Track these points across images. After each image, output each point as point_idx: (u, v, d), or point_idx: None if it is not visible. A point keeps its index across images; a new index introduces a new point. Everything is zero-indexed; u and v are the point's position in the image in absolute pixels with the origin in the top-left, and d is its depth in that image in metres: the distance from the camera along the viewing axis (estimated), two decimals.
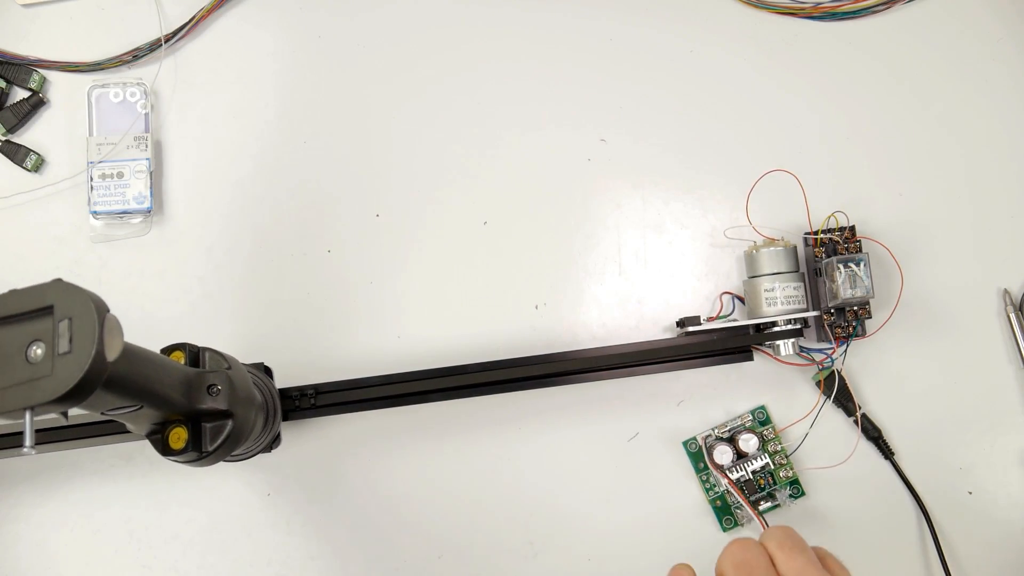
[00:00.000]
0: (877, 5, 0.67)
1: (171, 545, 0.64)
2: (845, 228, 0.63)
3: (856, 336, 0.63)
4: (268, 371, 0.61)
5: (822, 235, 0.63)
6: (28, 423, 0.38)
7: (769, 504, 0.63)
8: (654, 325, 0.65)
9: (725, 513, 0.64)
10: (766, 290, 0.61)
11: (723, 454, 0.62)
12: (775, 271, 0.62)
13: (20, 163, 0.67)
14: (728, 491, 0.63)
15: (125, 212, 0.66)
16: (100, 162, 0.66)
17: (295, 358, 0.65)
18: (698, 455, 0.64)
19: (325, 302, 0.66)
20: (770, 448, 0.63)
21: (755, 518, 0.62)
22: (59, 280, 0.39)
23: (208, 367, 0.52)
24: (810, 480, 0.64)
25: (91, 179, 0.65)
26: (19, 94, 0.68)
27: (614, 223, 0.67)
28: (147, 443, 0.63)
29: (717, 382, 0.65)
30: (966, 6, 0.68)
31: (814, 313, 0.62)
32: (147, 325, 0.66)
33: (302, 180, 0.67)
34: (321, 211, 0.67)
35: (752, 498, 0.63)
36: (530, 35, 0.68)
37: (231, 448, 0.50)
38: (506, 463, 0.65)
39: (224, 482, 0.65)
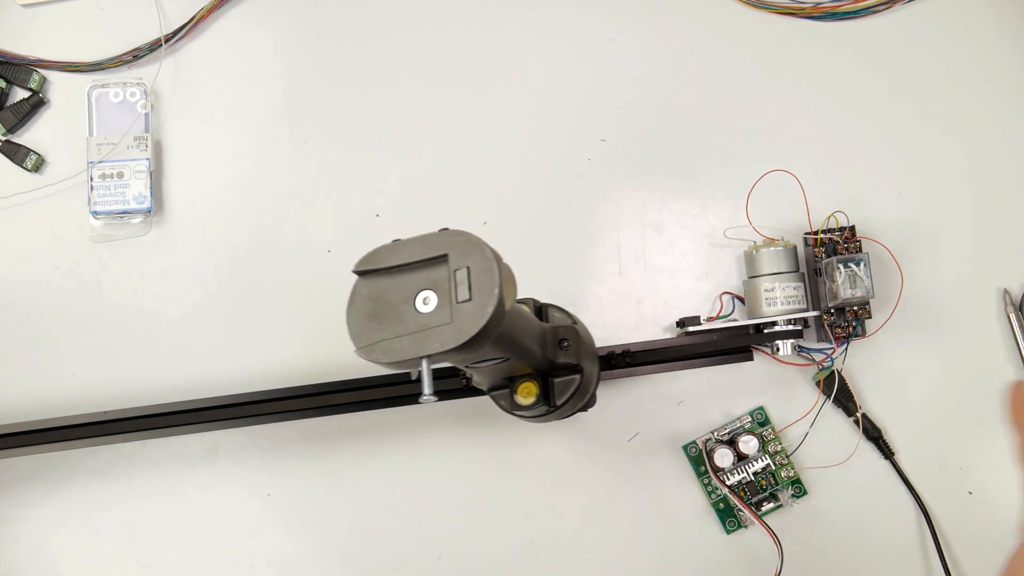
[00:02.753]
0: (877, 5, 0.67)
1: (171, 545, 0.64)
2: (845, 228, 0.63)
3: (856, 336, 0.63)
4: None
5: (822, 235, 0.63)
6: (426, 372, 0.38)
7: (772, 505, 0.63)
8: (654, 325, 0.65)
9: (728, 515, 0.63)
10: (766, 290, 0.61)
11: (723, 457, 0.62)
12: (775, 271, 0.62)
13: (20, 163, 0.67)
14: (730, 493, 0.63)
15: (125, 212, 0.66)
16: (100, 162, 0.66)
17: (296, 357, 0.65)
18: (698, 459, 0.64)
19: (325, 302, 0.66)
20: (770, 449, 0.63)
21: (766, 516, 0.62)
22: (447, 229, 0.39)
23: (552, 322, 0.51)
24: (811, 480, 0.64)
25: (91, 179, 0.65)
26: (19, 94, 0.68)
27: (614, 223, 0.67)
28: (147, 443, 0.64)
29: (717, 382, 0.65)
30: (966, 6, 0.67)
31: (814, 313, 0.62)
32: (147, 325, 0.66)
33: (302, 180, 0.67)
34: (321, 211, 0.67)
35: (754, 499, 0.63)
36: (530, 35, 0.68)
37: (577, 402, 0.50)
38: (506, 462, 0.64)
39: (224, 482, 0.65)
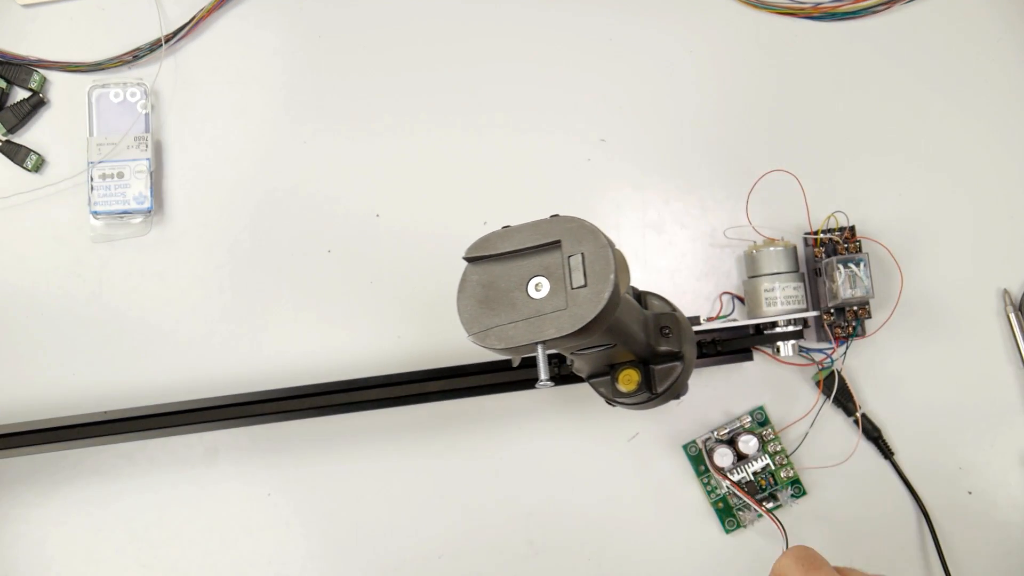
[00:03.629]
0: (877, 5, 0.67)
1: (171, 545, 0.64)
2: (845, 228, 0.63)
3: (856, 336, 0.63)
4: None
5: (822, 235, 0.63)
6: (542, 357, 0.38)
7: (771, 505, 0.63)
8: None
9: (727, 515, 0.63)
10: (766, 290, 0.61)
11: (723, 456, 0.62)
12: (775, 271, 0.62)
13: (20, 163, 0.67)
14: (731, 493, 0.63)
15: (125, 212, 0.66)
16: (100, 162, 0.66)
17: (296, 357, 0.65)
18: (698, 458, 0.64)
19: (325, 302, 0.66)
20: (770, 449, 0.63)
21: (765, 516, 0.62)
22: (557, 215, 0.39)
23: (651, 309, 0.51)
24: (811, 480, 0.64)
25: (91, 179, 0.65)
26: (19, 94, 0.68)
27: (614, 223, 0.67)
28: (147, 443, 0.64)
29: (717, 382, 0.65)
30: (966, 6, 0.67)
31: (814, 313, 0.62)
32: (147, 325, 0.66)
33: (302, 180, 0.67)
34: (321, 211, 0.67)
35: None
36: (530, 35, 0.68)
37: (678, 390, 0.50)
38: (506, 462, 0.65)
39: (224, 482, 0.65)
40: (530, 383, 0.62)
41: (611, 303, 0.37)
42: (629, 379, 0.48)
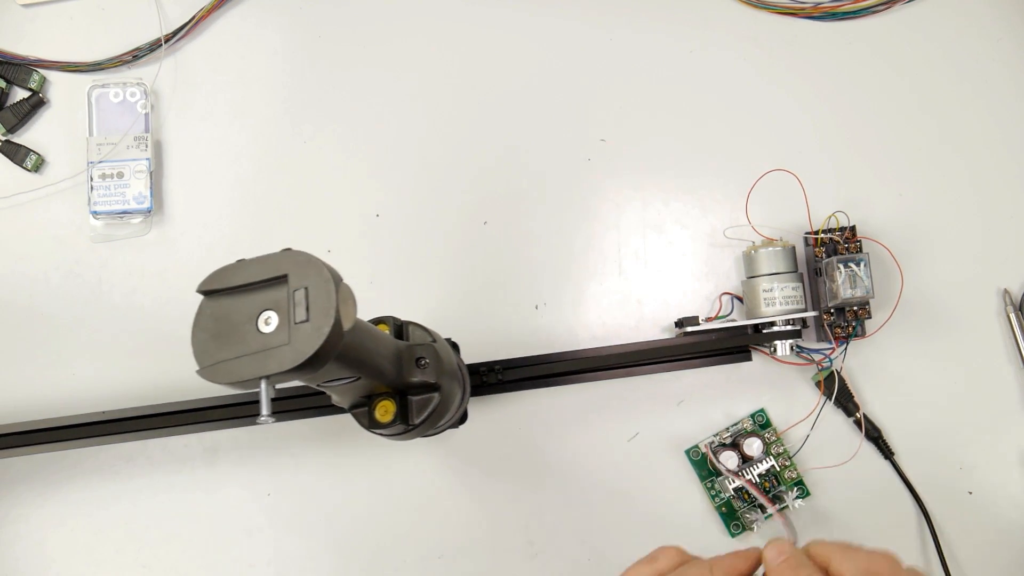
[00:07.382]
0: (877, 5, 0.67)
1: (171, 545, 0.64)
2: (845, 228, 0.63)
3: (856, 336, 0.63)
4: (456, 346, 0.60)
5: (822, 235, 0.63)
6: (264, 392, 0.38)
7: (777, 506, 0.63)
8: (654, 325, 0.65)
9: (732, 518, 0.63)
10: (764, 290, 0.61)
11: (728, 459, 0.62)
12: (773, 271, 0.62)
13: (20, 163, 0.67)
14: (735, 496, 0.63)
15: (125, 212, 0.66)
16: (100, 162, 0.66)
17: None
18: (701, 462, 0.63)
19: None
20: (773, 450, 0.63)
21: (773, 516, 0.62)
22: (289, 249, 0.39)
23: (411, 340, 0.51)
24: (813, 480, 0.64)
25: (91, 179, 0.65)
26: (19, 94, 0.68)
27: (614, 223, 0.67)
28: (147, 443, 0.64)
29: (716, 382, 0.65)
30: (966, 6, 0.68)
31: (812, 313, 0.62)
32: (147, 325, 0.66)
33: (302, 180, 0.67)
34: (321, 211, 0.67)
35: (758, 502, 0.62)
36: (531, 35, 0.68)
37: (436, 421, 0.50)
38: (506, 462, 0.64)
39: (224, 482, 0.65)
40: (526, 384, 0.62)
41: (332, 338, 0.36)
42: (385, 410, 0.49)
